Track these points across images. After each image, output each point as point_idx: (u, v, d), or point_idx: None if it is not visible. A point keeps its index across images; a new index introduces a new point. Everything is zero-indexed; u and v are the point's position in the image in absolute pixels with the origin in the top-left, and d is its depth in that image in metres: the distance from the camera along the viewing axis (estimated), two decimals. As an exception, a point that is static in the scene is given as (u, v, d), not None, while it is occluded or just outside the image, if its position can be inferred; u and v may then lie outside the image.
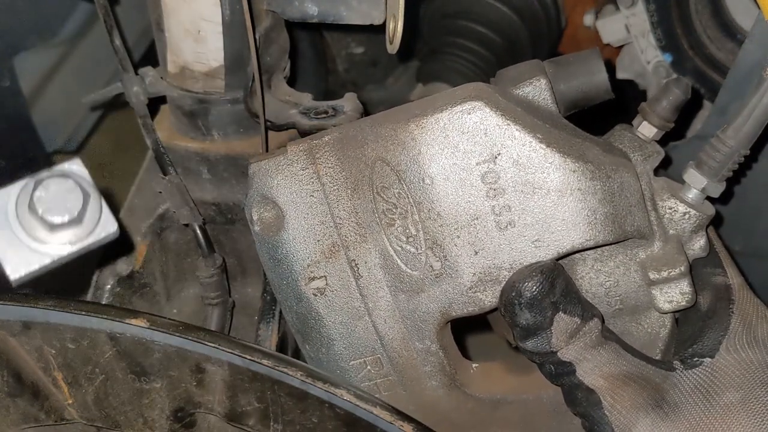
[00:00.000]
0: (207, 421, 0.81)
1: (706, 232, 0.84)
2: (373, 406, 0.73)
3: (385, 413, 0.73)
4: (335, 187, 0.81)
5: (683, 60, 1.42)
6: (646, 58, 1.46)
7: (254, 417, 0.77)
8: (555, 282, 0.75)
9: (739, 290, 0.82)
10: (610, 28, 1.49)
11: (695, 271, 0.84)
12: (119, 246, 1.06)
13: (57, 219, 0.52)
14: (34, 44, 1.25)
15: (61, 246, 0.53)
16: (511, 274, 0.78)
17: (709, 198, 0.84)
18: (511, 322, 0.77)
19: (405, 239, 0.81)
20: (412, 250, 0.81)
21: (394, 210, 0.80)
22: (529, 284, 0.74)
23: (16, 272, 0.52)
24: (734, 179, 0.94)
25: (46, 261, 0.53)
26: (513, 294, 0.75)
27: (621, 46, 1.52)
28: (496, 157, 0.77)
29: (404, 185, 0.79)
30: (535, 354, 0.77)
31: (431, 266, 0.81)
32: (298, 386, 0.74)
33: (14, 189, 0.54)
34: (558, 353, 0.75)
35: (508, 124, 0.76)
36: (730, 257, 0.87)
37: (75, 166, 0.55)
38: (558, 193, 0.76)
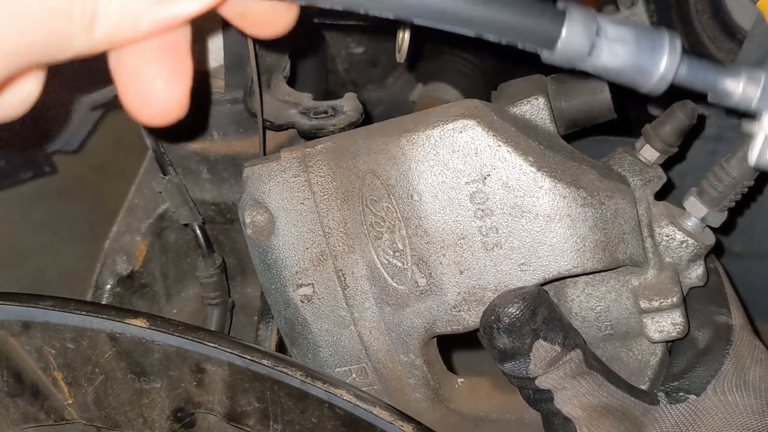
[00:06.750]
0: (207, 421, 0.81)
1: (705, 262, 0.82)
2: (372, 406, 0.73)
3: (385, 413, 0.73)
4: (326, 197, 0.80)
5: (683, 60, 1.42)
6: (646, 58, 1.46)
7: (254, 417, 0.77)
8: (537, 309, 0.73)
9: (740, 331, 0.80)
10: (610, 28, 1.49)
11: (701, 306, 0.82)
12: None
13: None
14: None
15: None
16: (495, 295, 0.77)
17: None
18: (489, 345, 0.76)
19: (392, 253, 0.80)
20: (399, 264, 0.80)
21: (382, 223, 0.79)
22: (510, 310, 0.73)
23: None
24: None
25: None
26: (492, 318, 0.74)
27: (621, 46, 1.52)
28: (485, 178, 0.75)
29: (393, 200, 0.78)
30: (512, 377, 0.76)
31: (416, 282, 0.80)
32: (297, 386, 0.74)
33: None
34: (536, 380, 0.74)
35: (499, 145, 0.74)
36: (737, 298, 0.85)
37: None
38: (546, 218, 0.74)
